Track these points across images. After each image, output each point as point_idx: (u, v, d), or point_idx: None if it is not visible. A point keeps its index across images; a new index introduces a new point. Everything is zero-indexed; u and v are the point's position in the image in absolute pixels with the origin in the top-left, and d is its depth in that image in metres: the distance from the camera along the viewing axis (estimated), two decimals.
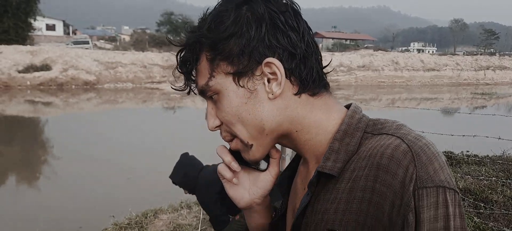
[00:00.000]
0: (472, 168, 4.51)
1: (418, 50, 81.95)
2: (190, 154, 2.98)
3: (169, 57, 29.25)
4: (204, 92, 0.75)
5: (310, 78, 0.71)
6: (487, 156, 5.24)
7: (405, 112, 15.81)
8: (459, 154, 4.83)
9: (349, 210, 0.66)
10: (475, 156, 5.03)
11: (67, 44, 38.25)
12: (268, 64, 0.69)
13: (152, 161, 8.52)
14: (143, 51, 32.09)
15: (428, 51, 75.75)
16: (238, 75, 0.70)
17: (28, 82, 22.93)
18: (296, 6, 0.72)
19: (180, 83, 0.77)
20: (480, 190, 3.32)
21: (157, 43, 46.91)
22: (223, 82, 0.71)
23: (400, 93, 29.24)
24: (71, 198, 6.25)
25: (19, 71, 23.21)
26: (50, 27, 53.49)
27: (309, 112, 0.74)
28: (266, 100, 0.71)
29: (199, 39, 0.71)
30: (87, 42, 40.12)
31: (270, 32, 0.69)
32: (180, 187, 2.90)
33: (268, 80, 0.70)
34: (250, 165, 0.82)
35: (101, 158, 8.88)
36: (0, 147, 10.97)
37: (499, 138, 3.00)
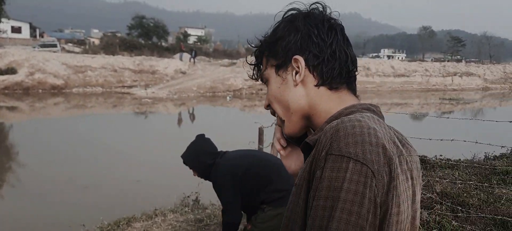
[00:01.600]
0: (446, 172, 4.58)
1: (388, 57, 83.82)
2: (205, 136, 2.90)
3: (141, 62, 28.76)
4: (262, 79, 1.03)
5: (329, 76, 0.93)
6: (460, 160, 5.34)
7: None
8: (433, 158, 4.89)
9: (302, 171, 0.88)
10: (448, 160, 5.11)
11: (34, 48, 37.09)
12: (295, 60, 0.94)
13: (123, 168, 8.30)
14: (113, 55, 31.48)
15: (398, 58, 77.57)
16: (277, 67, 0.97)
17: None
18: (334, 22, 0.97)
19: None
20: (456, 193, 3.35)
21: (128, 46, 46.13)
22: (270, 72, 0.99)
23: (371, 98, 29.77)
24: (38, 206, 5.99)
25: None
26: (16, 30, 51.78)
27: (323, 101, 0.95)
28: (292, 86, 0.95)
29: (262, 42, 1.02)
30: (55, 46, 39.04)
31: (303, 39, 0.94)
32: (190, 169, 2.81)
33: (296, 73, 0.94)
34: (295, 142, 1.04)
35: (69, 165, 8.60)
36: None
37: (465, 141, 3.07)
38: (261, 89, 29.18)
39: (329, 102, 0.94)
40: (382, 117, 0.94)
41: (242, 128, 10.28)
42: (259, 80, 1.04)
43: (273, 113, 1.02)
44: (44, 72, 23.75)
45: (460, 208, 3.00)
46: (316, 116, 0.95)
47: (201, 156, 2.73)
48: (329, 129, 0.82)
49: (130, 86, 25.86)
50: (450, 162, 4.94)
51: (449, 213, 2.95)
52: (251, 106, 22.40)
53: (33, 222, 5.28)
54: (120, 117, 18.29)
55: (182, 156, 2.82)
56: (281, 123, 1.00)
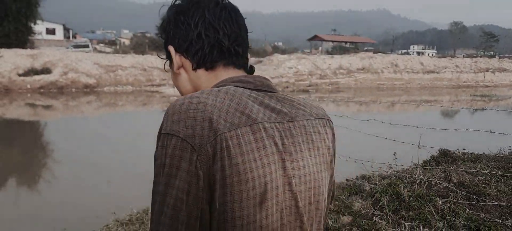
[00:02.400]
0: (468, 165, 4.59)
1: (418, 53, 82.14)
2: None
3: None
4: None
5: (200, 57, 0.97)
6: (483, 153, 5.31)
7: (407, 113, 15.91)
8: (456, 152, 4.90)
9: None
10: (472, 153, 5.11)
11: (68, 48, 38.41)
12: (169, 49, 1.01)
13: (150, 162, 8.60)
14: (143, 55, 32.19)
15: (428, 54, 75.91)
16: (168, 59, 1.06)
17: (29, 86, 23.01)
18: (202, 4, 0.98)
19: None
20: (473, 183, 3.39)
21: (157, 46, 47.04)
22: (169, 66, 1.06)
23: (400, 95, 29.35)
24: (71, 199, 6.31)
25: (20, 75, 23.28)
26: (50, 31, 53.63)
27: (203, 82, 0.99)
28: (177, 74, 1.04)
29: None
30: (87, 46, 40.27)
31: (173, 29, 1.00)
32: None
33: (172, 59, 1.02)
34: None
35: (102, 160, 8.96)
36: (0, 149, 11.09)
37: (490, 132, 3.09)
38: (287, 87, 29.27)
39: (207, 82, 0.98)
40: (259, 88, 0.94)
41: None
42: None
43: None
44: (77, 72, 24.58)
45: (475, 197, 3.05)
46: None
47: None
48: (167, 109, 0.86)
49: (159, 85, 26.42)
50: (473, 155, 4.94)
51: (464, 202, 3.01)
52: None
53: (67, 214, 5.58)
54: (149, 114, 18.74)
55: None
56: None
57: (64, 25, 59.17)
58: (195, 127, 0.80)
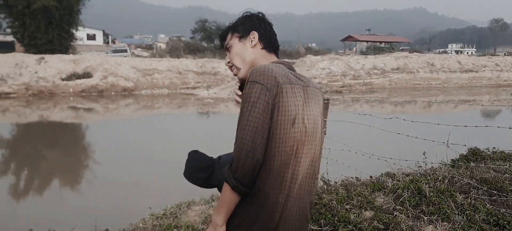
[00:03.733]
0: (497, 163, 4.58)
1: (456, 52, 79.62)
2: (199, 151, 3.07)
3: (203, 64, 29.93)
4: (225, 48, 1.82)
5: (267, 45, 1.78)
6: None
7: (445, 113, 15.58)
8: (485, 150, 4.89)
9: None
10: (502, 152, 5.08)
11: (107, 53, 39.81)
12: (253, 33, 1.76)
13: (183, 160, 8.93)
14: (178, 58, 32.93)
15: (467, 53, 73.45)
16: (240, 38, 1.78)
17: (71, 90, 24.09)
18: (268, 20, 1.83)
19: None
20: (496, 180, 3.43)
21: (192, 50, 47.96)
22: (234, 42, 1.79)
23: (437, 95, 28.64)
24: (110, 197, 6.66)
25: (63, 79, 24.42)
26: (91, 37, 55.63)
27: (261, 58, 1.76)
28: (249, 48, 1.76)
29: (229, 26, 1.83)
30: (126, 51, 41.57)
31: (256, 24, 1.78)
32: (193, 184, 2.96)
33: (251, 41, 1.76)
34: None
35: (139, 161, 9.34)
36: (44, 151, 11.69)
37: (510, 128, 3.12)
38: (320, 88, 29.11)
39: (263, 59, 1.76)
40: (290, 68, 1.73)
41: None
42: (224, 48, 1.84)
43: (231, 68, 1.82)
44: (116, 76, 25.52)
45: (496, 192, 3.10)
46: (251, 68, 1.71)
47: (197, 174, 2.74)
48: (251, 70, 1.59)
49: (194, 88, 26.99)
50: (504, 153, 4.91)
51: (485, 197, 3.07)
52: None
53: (106, 209, 5.93)
54: (184, 116, 19.20)
55: (184, 175, 2.92)
56: (237, 71, 1.79)
57: (103, 31, 61.14)
58: (268, 79, 1.54)
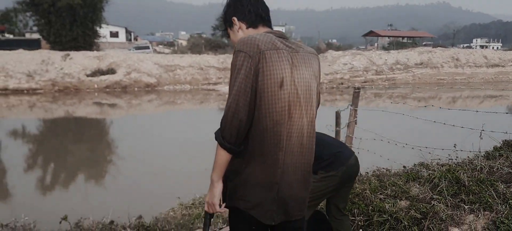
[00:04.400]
0: None
1: (481, 47, 77.62)
2: None
3: (224, 60, 30.02)
4: (228, 36, 2.04)
5: (250, 22, 1.90)
6: None
7: (470, 109, 15.24)
8: None
9: None
10: None
11: (130, 50, 40.32)
12: (233, 19, 1.93)
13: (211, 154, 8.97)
14: (199, 54, 33.08)
15: (492, 47, 71.52)
16: (229, 27, 1.98)
17: (96, 85, 24.48)
18: None
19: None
20: None
21: (213, 46, 48.13)
22: (229, 31, 2.00)
23: (462, 90, 28.00)
24: (137, 189, 6.69)
25: (87, 75, 24.83)
26: (114, 34, 56.45)
27: (251, 33, 1.85)
28: (236, 32, 1.93)
29: (223, 21, 2.03)
30: (148, 48, 42.03)
31: (234, 9, 1.93)
32: None
33: (235, 26, 1.92)
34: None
35: (162, 155, 9.40)
36: (70, 146, 11.88)
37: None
38: (342, 83, 28.88)
39: (254, 33, 1.84)
40: (280, 36, 1.85)
41: (319, 114, 10.43)
42: (226, 37, 2.07)
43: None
44: (139, 72, 25.80)
45: None
46: None
47: None
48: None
49: (215, 83, 27.09)
50: None
51: None
52: (332, 101, 22.25)
53: (135, 201, 5.98)
54: (206, 112, 19.28)
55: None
56: None
57: (126, 28, 61.96)
58: (250, 48, 1.71)
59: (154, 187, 6.59)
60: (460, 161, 3.83)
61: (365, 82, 29.47)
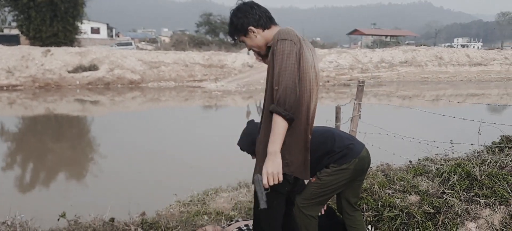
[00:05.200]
0: None
1: (462, 46, 78.93)
2: (255, 121, 3.05)
3: (210, 56, 29.76)
4: (239, 41, 2.29)
5: (264, 25, 2.20)
6: None
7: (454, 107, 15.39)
8: None
9: (269, 56, 2.15)
10: None
11: (112, 46, 39.65)
12: (250, 29, 2.20)
13: (201, 152, 8.80)
14: (184, 51, 32.75)
15: (473, 47, 72.88)
16: (245, 35, 2.24)
17: (78, 82, 23.99)
18: (250, 2, 2.23)
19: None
20: None
21: (197, 43, 47.77)
22: (244, 38, 2.26)
23: (445, 89, 28.38)
24: (122, 189, 6.38)
25: (69, 72, 24.31)
26: (95, 31, 55.50)
27: (269, 35, 2.20)
28: (255, 38, 2.22)
29: (232, 33, 2.32)
30: (130, 44, 41.43)
31: (246, 19, 2.19)
32: (248, 153, 2.96)
33: (253, 32, 2.21)
34: (263, 56, 2.38)
35: (145, 154, 9.17)
36: (50, 144, 11.52)
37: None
38: (328, 81, 28.94)
39: (269, 34, 2.18)
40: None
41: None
42: (237, 41, 2.30)
43: (254, 51, 2.32)
44: (122, 68, 25.38)
45: None
46: (268, 41, 2.19)
47: (255, 138, 2.78)
48: (274, 35, 2.10)
49: (201, 80, 26.84)
50: None
51: None
52: (319, 99, 22.15)
53: (123, 199, 5.78)
54: (190, 110, 19.04)
55: (238, 144, 2.89)
56: (259, 51, 2.28)
57: (107, 25, 61.04)
58: (293, 37, 2.05)
59: (149, 185, 6.37)
60: (465, 156, 3.77)
61: (350, 80, 29.61)
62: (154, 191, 5.83)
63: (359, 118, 4.10)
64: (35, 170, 8.75)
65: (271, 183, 2.07)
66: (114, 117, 16.82)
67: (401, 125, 5.98)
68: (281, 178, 2.07)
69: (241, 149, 2.93)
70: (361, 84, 4.12)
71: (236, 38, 2.28)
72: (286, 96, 1.98)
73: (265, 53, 2.28)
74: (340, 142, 2.72)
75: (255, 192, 2.16)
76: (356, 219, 2.78)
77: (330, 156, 2.68)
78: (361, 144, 2.81)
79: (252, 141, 2.77)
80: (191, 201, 4.10)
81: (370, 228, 3.08)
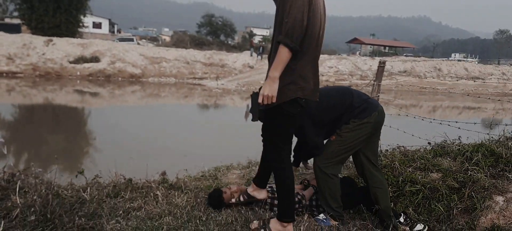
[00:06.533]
0: None
1: (459, 61, 79.19)
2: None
3: (211, 55, 29.73)
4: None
5: None
6: None
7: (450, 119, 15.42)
8: None
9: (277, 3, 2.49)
10: None
11: (114, 41, 39.53)
12: None
13: (203, 138, 8.75)
14: (186, 49, 32.74)
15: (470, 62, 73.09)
16: None
17: (78, 73, 23.86)
18: None
19: None
20: None
21: (197, 44, 47.79)
22: None
23: (442, 100, 28.47)
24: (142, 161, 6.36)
25: (70, 62, 24.18)
26: (97, 25, 55.42)
27: None
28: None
29: None
30: (132, 40, 41.32)
31: None
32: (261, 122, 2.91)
33: None
34: None
35: (141, 149, 9.08)
36: (46, 135, 11.33)
37: None
38: (327, 86, 28.91)
39: None
40: None
41: None
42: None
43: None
44: (124, 62, 25.28)
45: None
46: None
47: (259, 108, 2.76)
48: None
49: (201, 78, 26.79)
50: None
51: None
52: None
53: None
54: (188, 107, 18.95)
55: (251, 111, 2.92)
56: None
57: (109, 20, 60.97)
58: None
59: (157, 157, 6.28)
60: (486, 139, 3.73)
61: (350, 86, 29.64)
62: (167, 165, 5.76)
63: (378, 98, 4.07)
64: (27, 162, 8.58)
65: (266, 103, 2.34)
66: (112, 110, 16.67)
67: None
68: (274, 100, 2.32)
69: (253, 120, 2.88)
70: (382, 64, 4.10)
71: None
72: (294, 29, 2.20)
73: None
74: (358, 97, 2.76)
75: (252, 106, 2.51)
76: (378, 179, 2.76)
77: (349, 112, 2.69)
78: (374, 99, 2.88)
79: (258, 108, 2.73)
80: (202, 176, 4.04)
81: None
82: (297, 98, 2.38)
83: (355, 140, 2.67)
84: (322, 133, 2.79)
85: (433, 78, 34.98)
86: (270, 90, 2.29)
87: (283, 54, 2.23)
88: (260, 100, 2.35)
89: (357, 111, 2.68)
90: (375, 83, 4.03)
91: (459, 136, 3.90)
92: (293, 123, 2.52)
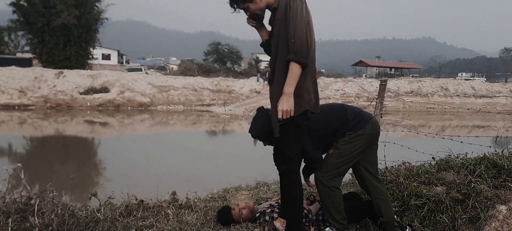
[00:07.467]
0: None
1: (466, 80, 78.97)
2: (264, 107, 3.09)
3: (218, 82, 30.07)
4: (243, 8, 2.74)
5: None
6: None
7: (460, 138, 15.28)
8: None
9: (280, 14, 2.63)
10: None
11: (123, 71, 40.19)
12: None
13: (211, 170, 8.82)
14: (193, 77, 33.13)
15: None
16: (249, 1, 2.72)
17: (88, 103, 24.22)
18: None
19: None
20: None
21: (205, 71, 48.35)
22: (249, 4, 2.73)
23: (451, 120, 28.33)
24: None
25: (80, 93, 24.60)
26: (106, 57, 56.35)
27: None
28: (261, 2, 2.69)
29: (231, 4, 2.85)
30: (140, 70, 42.01)
31: None
32: (259, 140, 3.00)
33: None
34: (258, 19, 2.91)
35: (151, 180, 9.16)
36: (57, 165, 11.45)
37: None
38: None
39: None
40: None
41: None
42: (241, 9, 2.73)
43: (252, 17, 2.80)
44: (132, 91, 25.66)
45: None
46: (269, 4, 2.69)
47: (267, 126, 2.75)
48: None
49: (209, 105, 27.03)
50: None
51: None
52: None
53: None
54: (197, 134, 19.06)
55: (250, 131, 2.97)
56: (259, 14, 2.77)
57: (118, 51, 61.98)
58: None
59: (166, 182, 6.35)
60: (489, 153, 3.79)
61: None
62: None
63: (381, 116, 4.16)
64: (42, 186, 8.66)
65: (285, 118, 2.50)
66: (122, 140, 16.80)
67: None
68: (292, 113, 2.51)
69: (253, 136, 2.96)
70: (383, 82, 4.20)
71: (235, 6, 2.73)
72: (303, 47, 2.44)
73: (259, 16, 2.76)
74: (351, 111, 2.90)
75: (271, 123, 2.60)
76: (380, 190, 2.85)
77: (344, 125, 2.81)
78: (368, 112, 3.01)
79: (263, 126, 2.82)
80: (211, 197, 4.13)
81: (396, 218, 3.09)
82: (305, 111, 2.61)
83: (352, 151, 2.78)
84: (320, 146, 2.89)
85: (440, 97, 34.96)
86: (288, 105, 2.48)
87: (295, 70, 2.46)
88: (279, 115, 2.51)
89: (352, 124, 2.81)
90: (377, 101, 4.12)
91: (466, 153, 3.96)
92: (302, 134, 2.71)
